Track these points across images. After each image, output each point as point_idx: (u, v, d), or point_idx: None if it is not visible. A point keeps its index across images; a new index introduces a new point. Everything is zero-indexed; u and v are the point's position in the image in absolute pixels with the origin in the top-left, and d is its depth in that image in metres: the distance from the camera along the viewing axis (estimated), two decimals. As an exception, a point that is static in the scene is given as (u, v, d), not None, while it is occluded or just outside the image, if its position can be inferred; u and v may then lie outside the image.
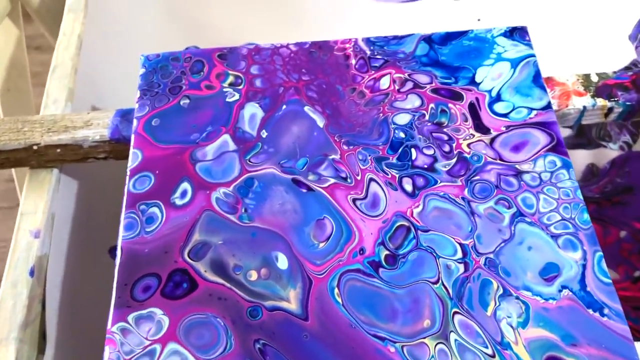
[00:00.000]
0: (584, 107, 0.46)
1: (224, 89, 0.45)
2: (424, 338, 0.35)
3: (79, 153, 0.47)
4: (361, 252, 0.38)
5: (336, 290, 0.36)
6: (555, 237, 0.38)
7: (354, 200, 0.40)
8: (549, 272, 0.37)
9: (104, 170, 0.51)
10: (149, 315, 0.36)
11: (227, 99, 0.45)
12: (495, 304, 0.36)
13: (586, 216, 0.39)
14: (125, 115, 0.47)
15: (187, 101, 0.45)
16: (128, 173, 0.41)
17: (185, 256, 0.38)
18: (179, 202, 0.40)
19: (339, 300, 0.36)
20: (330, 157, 0.42)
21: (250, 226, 0.39)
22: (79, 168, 0.50)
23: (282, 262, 0.37)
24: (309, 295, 0.36)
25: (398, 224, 0.39)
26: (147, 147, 0.42)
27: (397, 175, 0.41)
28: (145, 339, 0.35)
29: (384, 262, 0.37)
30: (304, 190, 0.40)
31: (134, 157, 0.42)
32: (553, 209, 0.39)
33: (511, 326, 0.35)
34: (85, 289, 0.51)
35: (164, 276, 0.37)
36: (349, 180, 0.41)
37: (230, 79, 0.46)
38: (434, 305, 0.36)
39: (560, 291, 0.36)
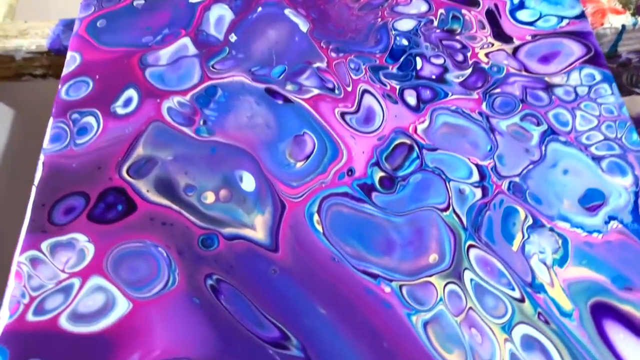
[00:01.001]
0: (623, 27, 0.38)
1: (189, -9, 0.37)
2: (430, 276, 0.26)
3: (11, 67, 0.38)
4: (349, 173, 0.29)
5: (316, 217, 0.28)
6: (597, 159, 0.30)
7: (342, 115, 0.31)
8: (592, 200, 0.28)
9: (44, 94, 0.42)
10: (69, 242, 0.27)
11: (190, 0, 0.36)
12: (523, 237, 0.27)
13: (635, 137, 0.30)
14: (70, 25, 0.39)
15: (142, 2, 0.36)
16: (62, 78, 0.33)
17: (124, 173, 0.29)
18: (120, 111, 0.31)
19: (319, 228, 0.28)
20: (315, 65, 0.33)
21: (209, 140, 0.30)
22: (13, 89, 0.42)
23: (248, 182, 0.29)
24: (280, 221, 0.28)
25: (398, 141, 0.30)
26: (87, 50, 0.34)
27: (397, 87, 0.32)
28: (62, 272, 0.26)
29: (378, 185, 0.29)
30: (280, 102, 0.32)
31: (71, 61, 0.34)
32: (593, 127, 0.31)
33: (545, 264, 0.26)
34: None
35: (93, 196, 0.28)
36: (336, 91, 0.32)
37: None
38: (443, 237, 0.27)
39: (607, 223, 0.28)
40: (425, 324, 0.25)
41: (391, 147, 0.30)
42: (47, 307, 0.25)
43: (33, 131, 0.42)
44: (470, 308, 0.25)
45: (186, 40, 0.34)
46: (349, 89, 0.32)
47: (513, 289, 0.26)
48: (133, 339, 0.25)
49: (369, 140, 0.30)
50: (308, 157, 0.30)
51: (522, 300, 0.26)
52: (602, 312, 0.25)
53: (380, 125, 0.31)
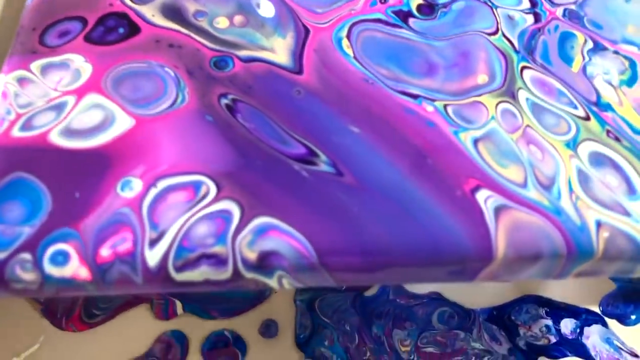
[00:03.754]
0: None
1: None
2: (479, 96, 0.23)
3: None
4: (382, 0, 0.26)
5: (345, 42, 0.24)
6: (663, -12, 0.26)
7: (371, -52, 0.28)
8: (661, 25, 0.25)
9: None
10: (63, 63, 0.24)
11: None
12: (584, 59, 0.24)
13: None
14: None
15: None
16: None
17: (127, -2, 0.26)
18: None
19: (349, 52, 0.24)
20: None
21: (223, -29, 0.27)
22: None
23: (266, 8, 0.26)
24: (303, 45, 0.24)
25: (436, -30, 0.27)
26: None
27: None
28: (53, 90, 0.23)
29: (415, 12, 0.25)
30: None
31: None
32: (656, -40, 0.27)
33: (611, 84, 0.23)
34: None
35: (91, 20, 0.25)
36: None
37: None
38: (492, 59, 0.24)
39: (679, 46, 0.24)
40: (476, 141, 0.21)
41: (430, -24, 0.27)
42: (36, 123, 0.22)
43: None
44: (528, 126, 0.22)
45: None
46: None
47: (576, 108, 0.22)
48: (135, 154, 0.21)
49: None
50: (335, -14, 0.26)
51: (587, 119, 0.22)
52: (681, 128, 0.21)
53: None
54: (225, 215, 0.20)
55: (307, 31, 0.25)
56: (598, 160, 0.21)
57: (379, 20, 0.25)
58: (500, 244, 0.19)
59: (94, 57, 0.24)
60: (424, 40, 0.24)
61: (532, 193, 0.20)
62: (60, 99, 0.22)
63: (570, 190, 0.20)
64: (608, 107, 0.22)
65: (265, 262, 0.19)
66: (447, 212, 0.20)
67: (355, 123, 0.22)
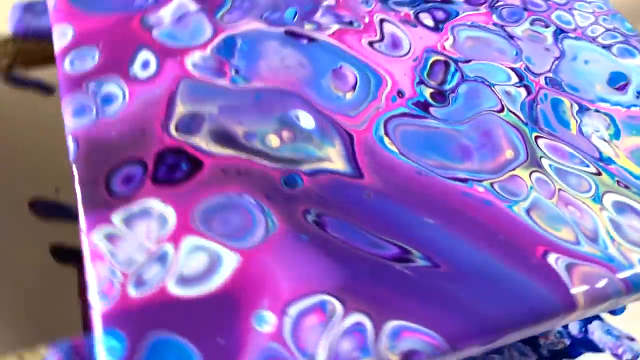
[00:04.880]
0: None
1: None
2: (513, 170, 0.27)
3: (-31, 61, 0.34)
4: (400, 95, 0.29)
5: (386, 139, 0.28)
6: (607, 47, 0.32)
7: (370, 44, 0.31)
8: (617, 80, 0.31)
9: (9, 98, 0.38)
10: (143, 211, 0.24)
11: (171, -40, 0.34)
12: (577, 121, 0.29)
13: (628, 25, 0.33)
14: (30, 7, 0.35)
15: (118, -33, 0.33)
16: (58, 52, 0.29)
17: (173, 132, 0.27)
18: (141, 74, 0.29)
19: (394, 149, 0.27)
20: (325, 4, 0.33)
21: (249, 88, 0.29)
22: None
23: (306, 120, 0.28)
24: (353, 150, 0.27)
25: (432, 59, 0.31)
26: (77, 20, 0.31)
27: (411, 12, 0.33)
28: (147, 241, 0.24)
29: (431, 101, 0.29)
30: (305, 42, 0.31)
31: (62, 35, 0.30)
32: (592, 22, 0.33)
33: (604, 140, 0.28)
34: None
35: (149, 160, 0.26)
36: (355, 24, 0.32)
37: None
38: (510, 134, 0.28)
39: (638, 97, 0.30)
40: (528, 211, 0.26)
41: (428, 65, 0.31)
42: (148, 278, 0.23)
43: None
44: (560, 189, 0.27)
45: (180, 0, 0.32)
46: (366, 20, 0.32)
47: (588, 166, 0.27)
48: (254, 287, 0.23)
49: (405, 63, 0.31)
50: (354, 87, 0.29)
51: (599, 174, 0.27)
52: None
53: (409, 49, 0.31)
54: (360, 328, 0.22)
55: (350, 136, 0.28)
56: (621, 208, 0.26)
57: (404, 114, 0.29)
58: (579, 296, 0.24)
59: (170, 198, 0.25)
60: (450, 126, 0.28)
61: (586, 248, 0.25)
62: (159, 249, 0.23)
63: (612, 239, 0.25)
64: (610, 160, 0.28)
65: (409, 361, 0.22)
66: (531, 279, 0.24)
67: (428, 214, 0.25)
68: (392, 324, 0.22)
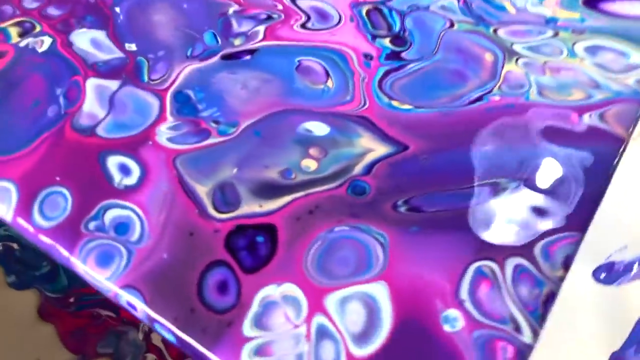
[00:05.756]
0: None
1: (20, 45, 0.29)
2: (503, 67, 0.29)
3: None
4: (369, 58, 0.29)
5: (394, 102, 0.28)
6: None
7: (303, 26, 0.30)
8: (505, -50, 0.33)
9: None
10: (266, 305, 0.22)
11: (39, 49, 0.29)
12: (509, 0, 0.31)
13: None
14: None
15: (-10, 88, 0.27)
16: (11, 215, 0.24)
17: (217, 214, 0.24)
18: (130, 180, 0.25)
19: (407, 106, 0.27)
20: (231, 12, 0.30)
21: (241, 132, 0.26)
22: None
23: (318, 128, 0.27)
24: (379, 128, 0.27)
25: (364, 11, 0.31)
26: (7, 168, 0.25)
27: (309, -21, 0.32)
28: (294, 326, 0.22)
29: (396, 48, 0.30)
30: (247, 57, 0.29)
31: (4, 194, 0.24)
32: None
33: (538, 5, 0.31)
34: None
35: (224, 255, 0.23)
36: (275, 16, 0.30)
37: (14, 31, 0.29)
38: (476, 40, 0.30)
39: None
40: (540, 93, 0.28)
41: (366, 19, 0.30)
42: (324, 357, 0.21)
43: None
44: (545, 62, 0.29)
45: (95, 82, 0.28)
46: (280, 7, 0.31)
47: (545, 32, 0.30)
48: (420, 299, 0.23)
49: (346, 27, 0.30)
50: (327, 73, 0.28)
51: (556, 34, 0.30)
52: None
53: (338, 14, 0.31)
54: (522, 269, 0.23)
55: (365, 119, 0.27)
56: (592, 52, 0.30)
57: (388, 72, 0.29)
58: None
59: (279, 276, 0.23)
60: (429, 61, 0.29)
61: (599, 95, 0.28)
62: (310, 326, 0.22)
63: (607, 78, 0.29)
64: (553, 19, 0.31)
65: None
66: (586, 141, 0.27)
67: (480, 144, 0.26)
68: (539, 247, 0.24)
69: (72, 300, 0.35)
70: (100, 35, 0.29)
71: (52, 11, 0.30)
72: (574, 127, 0.27)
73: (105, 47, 0.29)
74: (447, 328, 0.22)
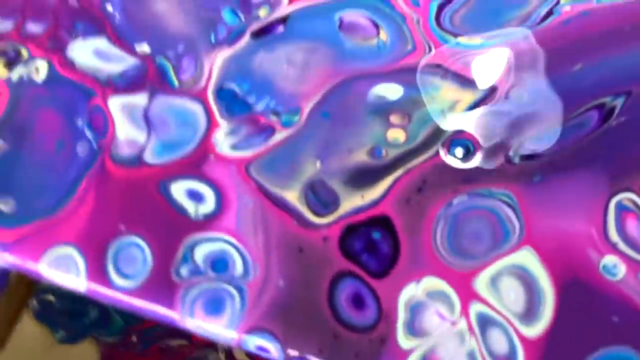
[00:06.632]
0: None
1: (13, 80, 0.24)
2: None
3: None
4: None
5: (462, 39, 0.24)
6: None
7: (328, -23, 0.26)
8: None
9: None
10: (414, 306, 0.20)
11: (36, 78, 0.24)
12: None
13: None
14: None
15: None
16: (82, 287, 0.20)
17: (318, 220, 0.21)
18: (206, 208, 0.21)
19: (478, 41, 0.24)
20: (241, -21, 0.26)
21: (307, 117, 0.23)
22: None
23: (391, 90, 0.23)
24: (461, 74, 0.24)
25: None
26: (83, 242, 0.21)
27: None
28: (451, 323, 0.19)
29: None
30: (281, 29, 0.25)
31: (70, 265, 0.21)
32: None
33: None
34: None
35: (333, 270, 0.20)
36: (291, -28, 0.26)
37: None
38: None
39: None
40: (613, -9, 0.25)
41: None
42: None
43: None
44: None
45: (116, 102, 0.23)
46: (294, -41, 0.26)
47: None
48: (566, 253, 0.20)
49: (375, -34, 0.26)
50: (376, 24, 0.25)
51: None
52: None
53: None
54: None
55: (440, 67, 0.24)
56: None
57: (443, 5, 0.25)
58: None
59: (412, 275, 0.20)
60: None
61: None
62: (469, 321, 0.19)
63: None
64: None
65: None
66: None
67: (577, 60, 0.24)
68: None
69: (134, 339, 0.32)
70: (101, 42, 0.24)
71: (33, 27, 0.25)
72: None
73: (113, 55, 0.24)
74: (609, 278, 0.20)
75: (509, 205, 0.21)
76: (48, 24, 0.25)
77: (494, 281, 0.20)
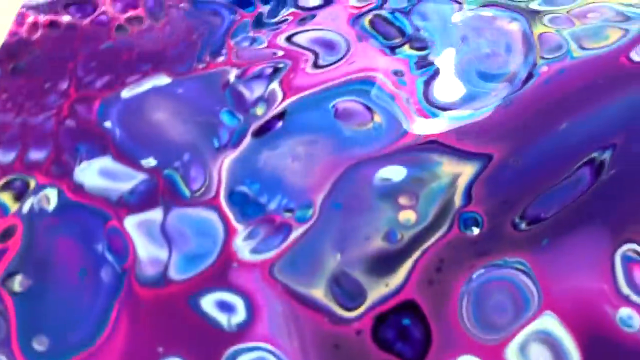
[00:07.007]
0: None
1: (24, 211, 0.24)
2: (532, 33, 0.27)
3: None
4: (399, 74, 0.27)
5: (452, 113, 0.26)
6: None
7: (315, 65, 0.27)
8: None
9: None
10: None
11: (48, 207, 0.24)
12: (499, -43, 0.29)
13: None
14: None
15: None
16: None
17: (342, 313, 0.22)
18: (239, 319, 0.22)
19: (466, 113, 0.26)
20: (233, 80, 0.27)
21: (319, 210, 0.24)
22: None
23: (393, 172, 0.24)
24: (453, 147, 0.25)
25: (366, 23, 0.28)
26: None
27: (292, 11, 0.29)
28: None
29: (419, 52, 0.27)
30: (280, 124, 0.26)
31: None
32: None
33: (528, -49, 0.30)
34: None
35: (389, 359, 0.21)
36: (281, 65, 0.27)
37: (7, 197, 0.25)
38: (496, 14, 0.28)
39: None
40: (580, 47, 0.27)
41: (373, 30, 0.28)
42: None
43: None
44: (567, 12, 0.28)
45: (132, 221, 0.24)
46: (280, 52, 0.27)
47: (551, -22, 0.29)
48: (583, 310, 0.22)
49: (363, 48, 0.27)
50: (369, 109, 0.26)
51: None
52: None
53: (343, 39, 0.28)
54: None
55: (438, 143, 0.25)
56: (603, -19, 0.29)
57: (430, 78, 0.26)
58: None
59: (453, 353, 0.21)
60: (463, 55, 0.27)
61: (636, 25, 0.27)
62: None
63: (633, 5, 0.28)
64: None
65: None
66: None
67: (558, 121, 0.25)
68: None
69: None
70: (106, 162, 0.25)
71: (35, 155, 0.25)
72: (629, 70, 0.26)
73: (120, 173, 0.25)
74: (627, 329, 0.21)
75: (524, 272, 0.22)
76: (50, 149, 0.25)
77: (522, 349, 0.21)
